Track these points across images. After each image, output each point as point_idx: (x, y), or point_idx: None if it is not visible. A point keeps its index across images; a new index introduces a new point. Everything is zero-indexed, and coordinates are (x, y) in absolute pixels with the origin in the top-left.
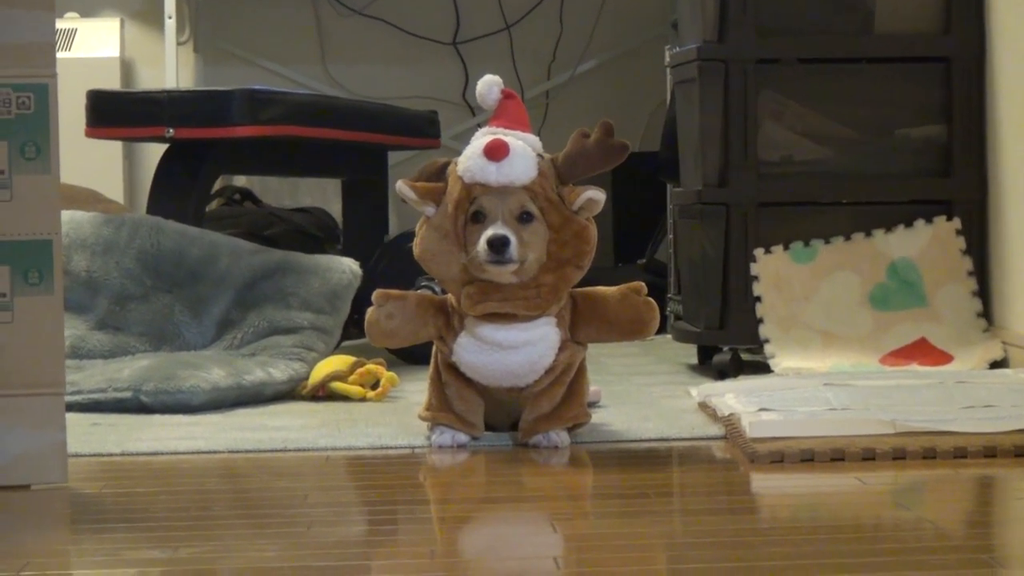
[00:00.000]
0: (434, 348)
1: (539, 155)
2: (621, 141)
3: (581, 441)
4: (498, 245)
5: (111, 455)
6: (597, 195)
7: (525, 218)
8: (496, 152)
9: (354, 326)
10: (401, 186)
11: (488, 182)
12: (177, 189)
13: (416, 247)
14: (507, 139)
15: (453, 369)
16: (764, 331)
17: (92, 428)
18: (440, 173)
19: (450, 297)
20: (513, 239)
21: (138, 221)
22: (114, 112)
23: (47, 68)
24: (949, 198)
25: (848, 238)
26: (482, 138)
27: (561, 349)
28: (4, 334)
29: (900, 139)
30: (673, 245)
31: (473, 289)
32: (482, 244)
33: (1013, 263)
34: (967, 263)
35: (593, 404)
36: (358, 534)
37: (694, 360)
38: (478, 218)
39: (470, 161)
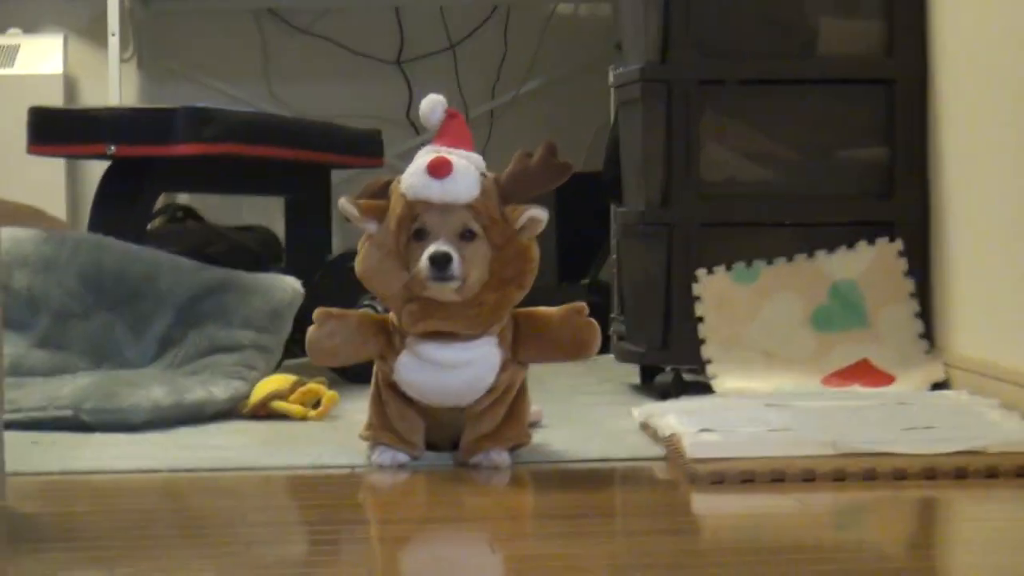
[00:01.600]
0: (375, 367)
1: (482, 174)
2: (564, 161)
3: (522, 461)
4: (440, 262)
5: (50, 474)
6: (539, 214)
7: (467, 236)
8: (439, 169)
9: (296, 345)
10: (344, 203)
11: (431, 199)
12: (119, 207)
13: (358, 264)
14: (451, 157)
15: (394, 388)
16: (706, 351)
17: (31, 447)
18: (383, 191)
19: (391, 316)
20: (455, 256)
21: (79, 239)
22: (56, 129)
23: None
24: (891, 219)
25: (790, 259)
26: (425, 155)
27: (502, 369)
28: None
29: (843, 161)
30: (616, 265)
31: (415, 307)
32: (424, 261)
33: (955, 285)
34: (909, 284)
35: (535, 424)
36: (297, 554)
37: (636, 380)
38: (420, 235)
39: (413, 178)
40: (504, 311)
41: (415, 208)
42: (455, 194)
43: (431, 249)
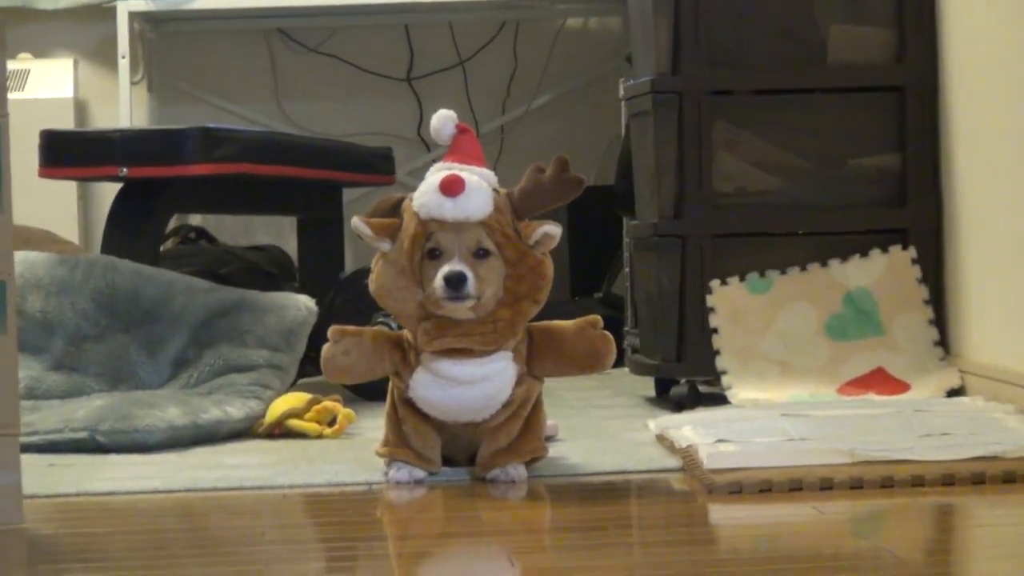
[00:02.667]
0: (390, 384)
1: (495, 190)
2: (576, 175)
3: (539, 475)
4: (455, 282)
5: (67, 495)
6: (553, 230)
7: (481, 254)
8: (452, 187)
9: (310, 363)
10: (356, 223)
11: (444, 218)
12: (132, 228)
13: (372, 283)
14: (463, 174)
15: (410, 405)
16: (721, 363)
17: (48, 469)
18: (395, 209)
19: (406, 333)
20: (470, 275)
21: (93, 261)
22: (67, 152)
23: None
24: (904, 227)
25: (804, 268)
26: (437, 173)
27: (518, 383)
28: None
29: (854, 169)
30: (629, 278)
31: (430, 325)
32: (439, 281)
33: (969, 291)
34: (923, 292)
35: (550, 438)
36: (315, 571)
37: (651, 393)
38: (434, 254)
39: (426, 197)
40: (519, 326)
41: (428, 227)
42: (468, 212)
43: (445, 269)
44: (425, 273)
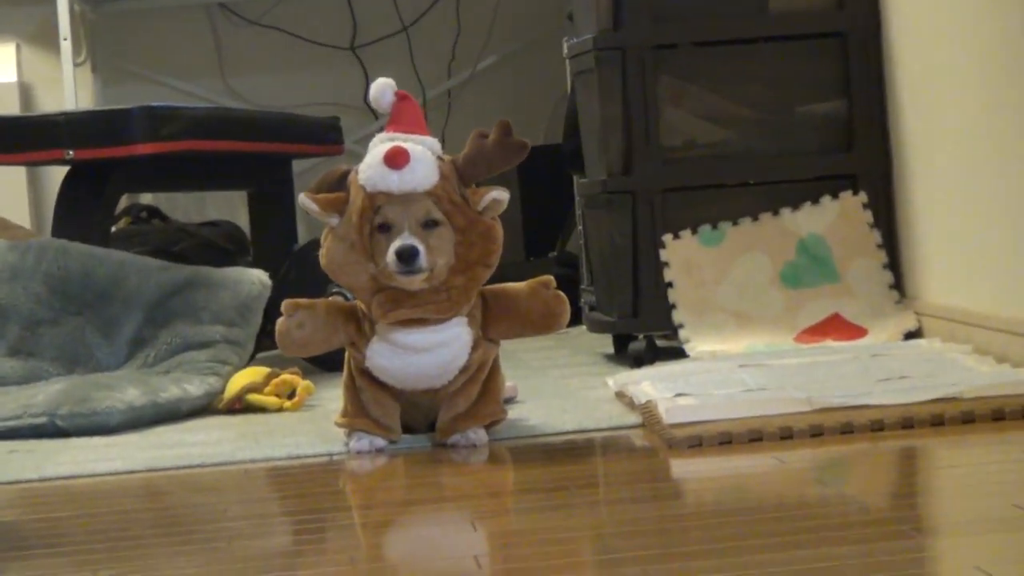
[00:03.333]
0: (347, 354)
1: (439, 158)
2: (519, 140)
3: (499, 438)
4: (407, 256)
5: (29, 481)
6: (501, 195)
7: (430, 224)
8: (396, 159)
9: (267, 337)
10: (303, 199)
11: (391, 190)
12: (81, 210)
13: (322, 259)
14: (406, 145)
15: (367, 374)
16: (677, 316)
17: (9, 455)
18: (340, 182)
19: (360, 303)
20: (421, 248)
21: (43, 245)
22: (13, 137)
23: None
24: (854, 172)
25: (756, 218)
26: (380, 145)
27: (474, 348)
28: None
29: (801, 116)
30: (583, 236)
31: (384, 297)
32: (391, 256)
33: (921, 233)
34: (876, 236)
35: (510, 400)
36: (280, 545)
37: (610, 350)
38: (384, 228)
39: (371, 170)
40: (472, 292)
41: (375, 200)
42: (414, 183)
43: (396, 243)
44: (376, 247)
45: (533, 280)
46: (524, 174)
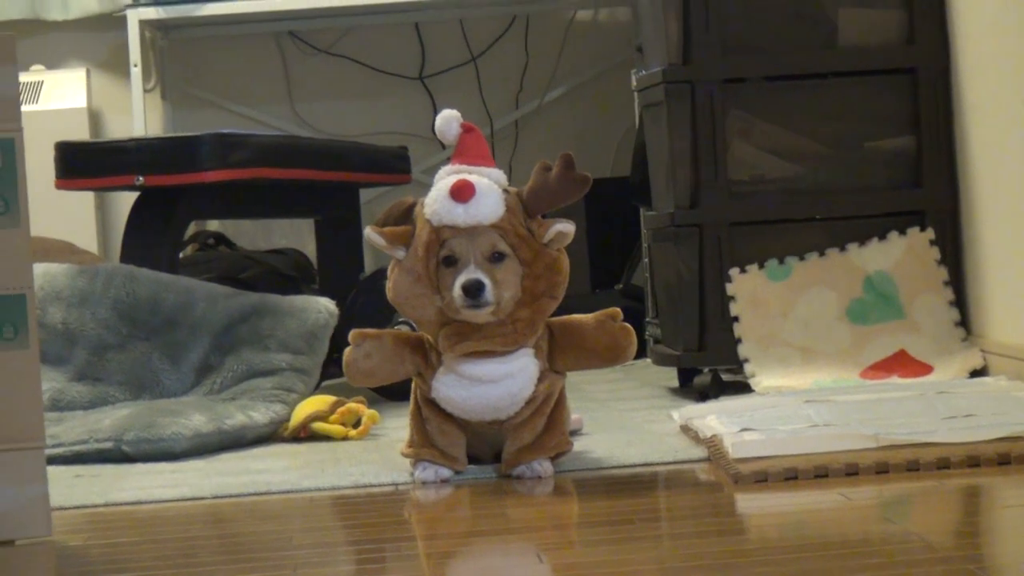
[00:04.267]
0: (413, 384)
1: (505, 190)
2: (582, 174)
3: (564, 470)
4: (473, 290)
5: (95, 506)
6: (567, 227)
7: (496, 258)
8: (462, 193)
9: (333, 365)
10: (370, 232)
11: (456, 224)
12: (150, 236)
13: (389, 291)
14: (472, 178)
15: (433, 404)
16: (743, 351)
17: (75, 480)
18: (407, 214)
19: (426, 334)
20: (487, 282)
21: (112, 270)
22: (83, 163)
23: (12, 122)
24: (921, 209)
25: (822, 253)
26: (446, 178)
27: (540, 379)
28: None
29: (870, 152)
30: (649, 269)
31: (450, 330)
32: (457, 290)
33: (988, 271)
34: (942, 273)
35: (575, 432)
36: (345, 574)
37: (675, 383)
38: (450, 261)
39: (437, 204)
40: (539, 324)
41: (441, 233)
42: (480, 217)
43: (462, 278)
44: (442, 280)
45: (600, 312)
46: (591, 206)
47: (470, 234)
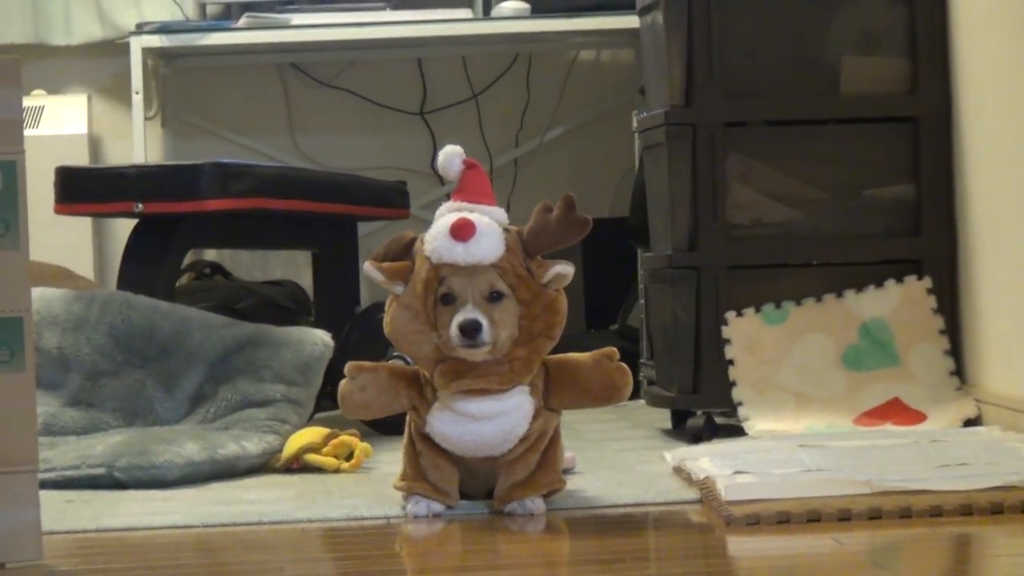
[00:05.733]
0: (407, 418)
1: (505, 229)
2: (582, 216)
3: (557, 508)
4: (470, 331)
5: (86, 532)
6: (566, 269)
7: (495, 297)
8: (462, 232)
9: (327, 398)
10: (368, 267)
11: (456, 262)
12: (147, 264)
13: (387, 326)
14: (472, 217)
15: (427, 439)
16: (737, 394)
17: (66, 505)
18: (407, 250)
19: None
20: (484, 322)
21: (108, 297)
22: (83, 188)
23: (14, 145)
24: (919, 257)
25: (819, 299)
26: (447, 215)
27: (535, 417)
28: None
29: (869, 199)
30: (645, 310)
31: (446, 367)
32: (454, 329)
33: (985, 321)
34: (939, 322)
35: (568, 471)
36: None
37: (668, 425)
38: (448, 299)
39: (437, 242)
40: (535, 363)
41: (440, 271)
42: (479, 256)
43: (459, 317)
44: (440, 319)
45: (596, 351)
46: (588, 246)
47: (469, 273)
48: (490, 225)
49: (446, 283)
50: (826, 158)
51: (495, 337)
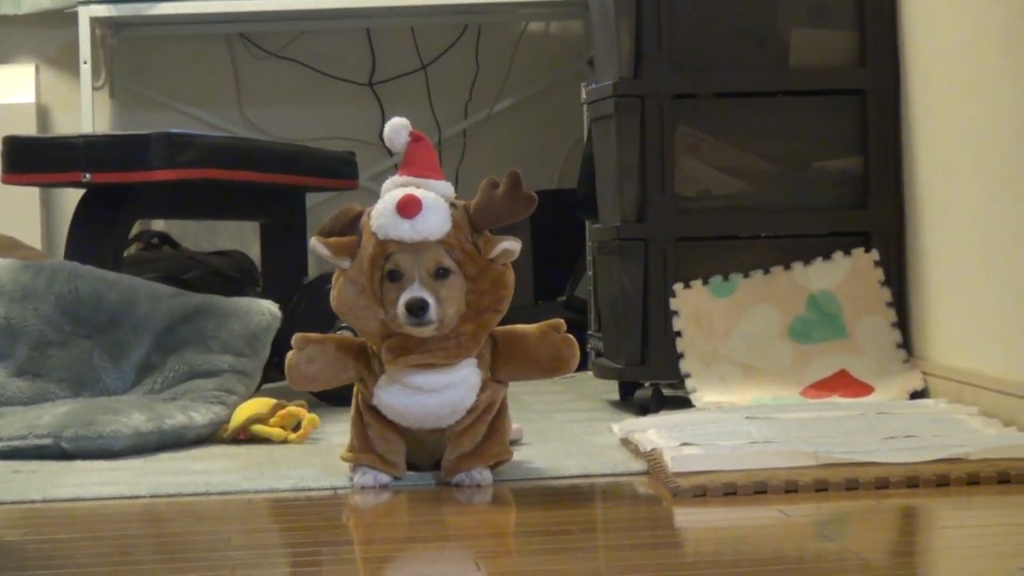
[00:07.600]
0: (355, 389)
1: (452, 204)
2: (529, 193)
3: (504, 479)
4: (416, 309)
5: (32, 502)
6: (512, 245)
7: (441, 274)
8: (409, 208)
9: (275, 368)
10: (315, 243)
11: (402, 239)
12: (95, 234)
13: (333, 300)
14: (419, 193)
15: (374, 410)
16: (685, 366)
17: (13, 475)
18: (353, 224)
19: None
20: (431, 300)
21: (56, 267)
22: (30, 158)
23: None
24: (867, 229)
25: (767, 271)
26: (393, 191)
27: (482, 389)
28: None
29: (817, 172)
30: (593, 282)
31: (393, 343)
32: (401, 307)
33: (931, 293)
34: (886, 294)
35: (515, 442)
36: None
37: (615, 396)
38: (394, 276)
39: (383, 218)
40: (482, 337)
41: (387, 247)
42: (426, 232)
43: (406, 295)
44: (386, 295)
45: (543, 323)
46: (537, 217)
47: (416, 249)
48: (436, 201)
49: (393, 259)
50: (775, 131)
51: (442, 315)
